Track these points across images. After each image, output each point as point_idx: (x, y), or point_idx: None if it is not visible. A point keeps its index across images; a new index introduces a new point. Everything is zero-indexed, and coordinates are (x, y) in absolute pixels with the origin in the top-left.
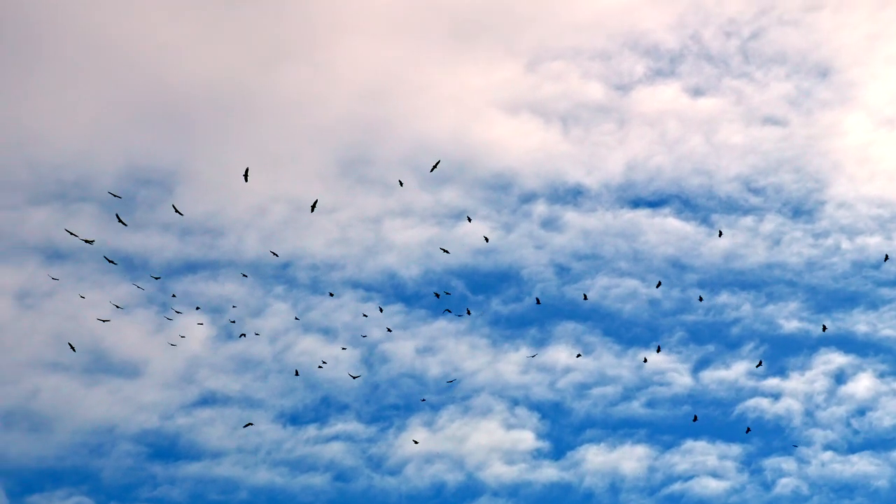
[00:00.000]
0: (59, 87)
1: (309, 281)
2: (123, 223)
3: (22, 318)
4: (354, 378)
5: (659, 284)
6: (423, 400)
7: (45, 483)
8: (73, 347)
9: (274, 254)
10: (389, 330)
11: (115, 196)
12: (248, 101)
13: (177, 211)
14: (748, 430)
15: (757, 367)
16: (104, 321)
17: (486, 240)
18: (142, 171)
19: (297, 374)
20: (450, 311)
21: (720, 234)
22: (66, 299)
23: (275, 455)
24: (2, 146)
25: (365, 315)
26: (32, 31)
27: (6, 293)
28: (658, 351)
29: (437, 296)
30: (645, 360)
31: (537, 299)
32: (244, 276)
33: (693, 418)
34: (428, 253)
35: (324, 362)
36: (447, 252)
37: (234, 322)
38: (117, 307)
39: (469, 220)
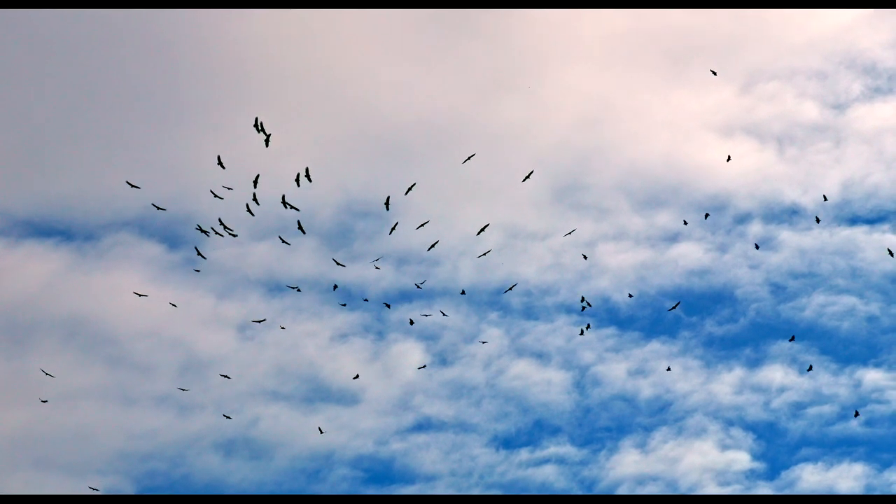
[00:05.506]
0: (279, 125)
1: (522, 307)
2: (341, 264)
3: (243, 350)
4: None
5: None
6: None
7: None
8: None
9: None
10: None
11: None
12: (462, 133)
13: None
14: None
15: None
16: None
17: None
18: (360, 204)
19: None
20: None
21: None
22: (285, 331)
23: (487, 479)
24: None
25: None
26: (253, 73)
27: (229, 325)
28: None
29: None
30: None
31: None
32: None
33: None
34: (641, 276)
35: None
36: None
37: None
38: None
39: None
